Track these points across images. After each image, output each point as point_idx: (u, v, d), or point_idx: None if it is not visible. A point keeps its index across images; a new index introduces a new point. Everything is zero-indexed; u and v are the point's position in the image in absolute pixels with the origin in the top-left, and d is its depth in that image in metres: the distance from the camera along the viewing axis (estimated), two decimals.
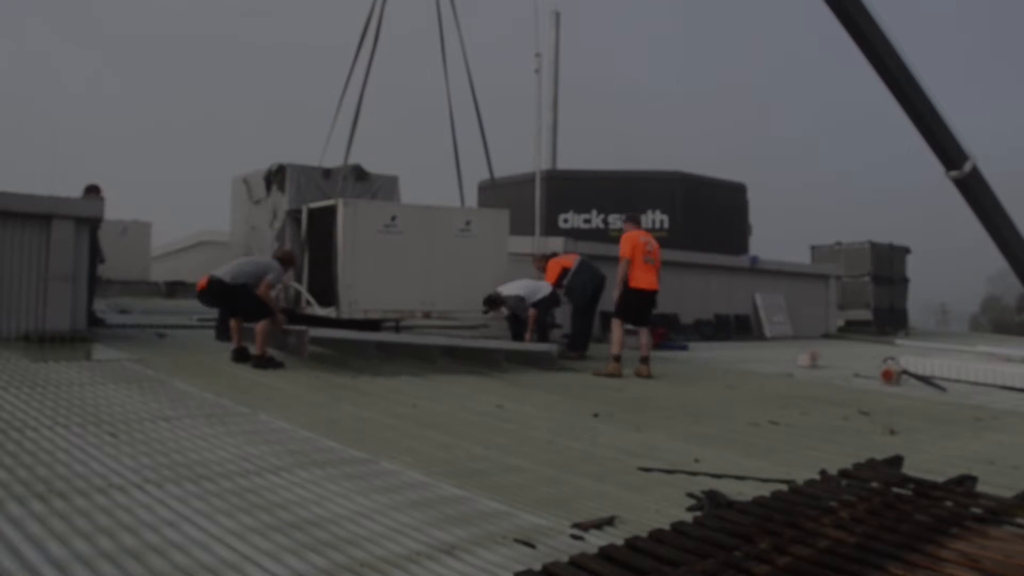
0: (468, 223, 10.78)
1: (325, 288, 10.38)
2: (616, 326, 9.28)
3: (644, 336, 9.36)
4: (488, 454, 4.81)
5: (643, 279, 9.23)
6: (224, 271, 8.71)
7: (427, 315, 10.67)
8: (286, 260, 9.23)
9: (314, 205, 10.95)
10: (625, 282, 9.22)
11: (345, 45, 12.05)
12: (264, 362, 8.34)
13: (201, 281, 8.86)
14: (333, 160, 11.67)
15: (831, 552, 2.95)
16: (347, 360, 9.11)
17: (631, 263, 9.20)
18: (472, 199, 15.52)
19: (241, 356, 8.52)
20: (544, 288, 10.78)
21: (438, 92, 11.83)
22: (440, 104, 11.85)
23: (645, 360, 9.18)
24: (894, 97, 11.41)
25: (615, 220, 20.58)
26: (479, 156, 12.22)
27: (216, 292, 8.66)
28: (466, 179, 11.92)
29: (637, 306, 9.28)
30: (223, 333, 9.98)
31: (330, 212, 10.27)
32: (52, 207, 9.25)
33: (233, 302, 8.68)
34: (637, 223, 9.84)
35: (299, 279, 11.05)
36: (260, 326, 8.46)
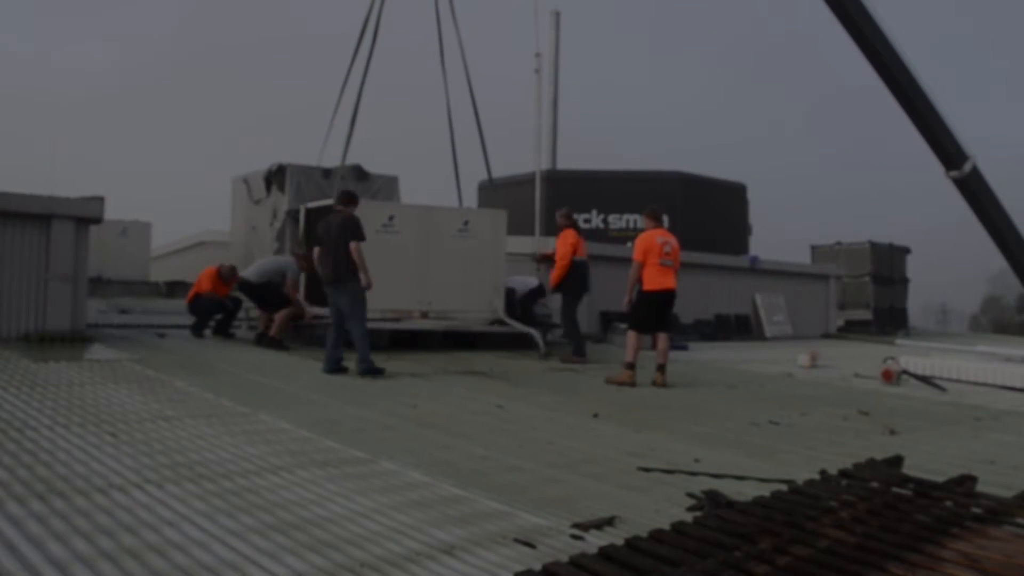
0: (466, 223, 10.79)
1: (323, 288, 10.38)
2: (632, 334, 8.59)
3: (662, 342, 8.60)
4: (488, 454, 4.81)
5: (658, 280, 8.50)
6: (250, 272, 10.56)
7: (425, 315, 10.70)
8: (302, 260, 10.55)
9: (312, 205, 10.94)
10: (639, 287, 8.57)
11: (347, 41, 12.05)
12: (275, 343, 9.90)
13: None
14: (332, 160, 11.69)
15: (831, 552, 2.95)
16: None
17: (643, 267, 8.50)
18: (471, 199, 15.53)
19: (261, 340, 10.16)
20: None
21: (438, 91, 11.85)
22: (440, 103, 11.87)
23: (662, 368, 8.43)
24: (893, 96, 11.40)
25: (615, 220, 20.60)
26: (479, 156, 12.24)
27: (245, 290, 10.56)
28: (466, 179, 11.97)
29: (655, 311, 8.60)
30: (199, 330, 11.04)
31: (328, 211, 10.28)
32: (52, 207, 9.25)
33: (260, 297, 10.46)
34: (657, 219, 8.99)
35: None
36: (282, 313, 10.15)
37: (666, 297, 8.60)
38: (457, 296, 10.57)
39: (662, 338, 8.62)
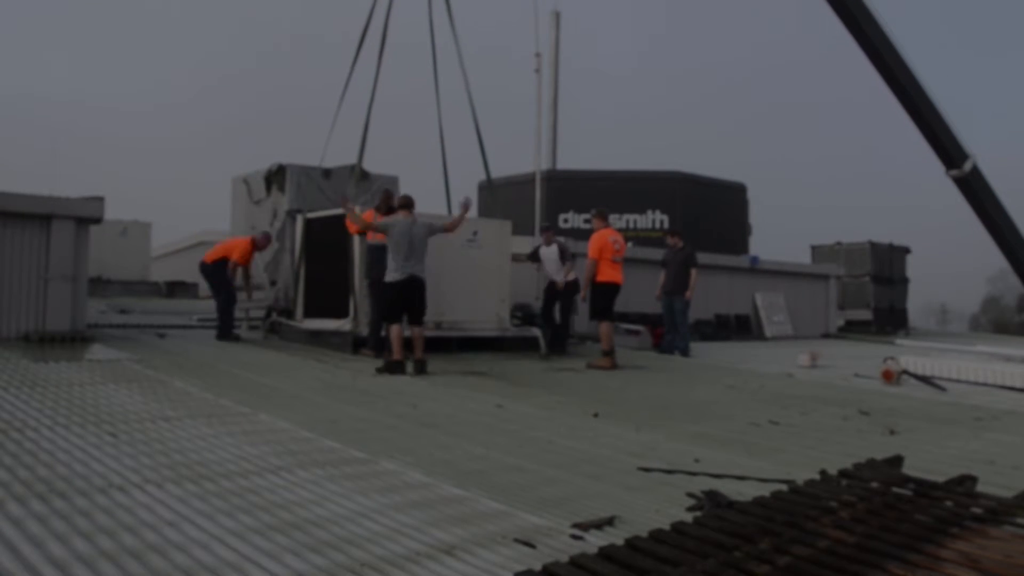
0: (475, 233, 10.74)
1: (329, 301, 10.25)
2: (603, 324, 9.77)
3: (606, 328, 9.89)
4: (488, 454, 4.81)
5: (609, 274, 9.79)
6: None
7: (438, 325, 10.59)
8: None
9: (314, 215, 10.84)
10: (592, 280, 9.77)
11: (346, 40, 12.02)
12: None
13: None
14: (334, 160, 11.67)
15: (831, 552, 2.95)
16: (347, 360, 9.11)
17: (598, 262, 9.71)
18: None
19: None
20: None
21: (434, 91, 11.82)
22: (435, 103, 11.84)
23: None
24: (894, 95, 11.41)
25: (615, 220, 20.57)
26: (477, 156, 12.22)
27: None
28: (465, 178, 11.93)
29: (609, 300, 9.86)
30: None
31: (335, 221, 10.16)
32: (52, 207, 9.25)
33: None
34: (605, 219, 10.23)
35: (295, 290, 10.98)
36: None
37: (615, 291, 9.91)
38: (468, 306, 10.50)
39: (606, 325, 9.85)
